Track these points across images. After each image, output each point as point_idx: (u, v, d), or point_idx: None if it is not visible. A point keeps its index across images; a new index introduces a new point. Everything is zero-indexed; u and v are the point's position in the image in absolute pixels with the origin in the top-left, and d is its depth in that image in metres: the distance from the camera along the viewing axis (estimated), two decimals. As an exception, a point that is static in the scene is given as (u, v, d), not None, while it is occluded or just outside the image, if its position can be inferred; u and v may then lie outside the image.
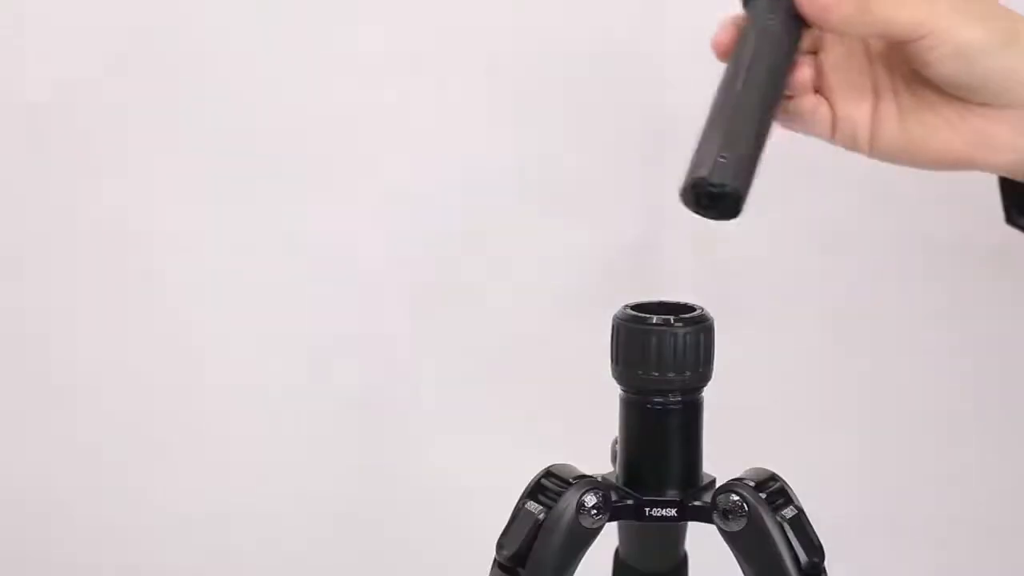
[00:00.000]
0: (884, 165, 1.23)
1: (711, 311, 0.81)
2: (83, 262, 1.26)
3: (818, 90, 0.85)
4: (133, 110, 1.24)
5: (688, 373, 0.79)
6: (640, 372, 0.79)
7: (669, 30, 1.23)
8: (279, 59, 1.24)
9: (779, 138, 0.83)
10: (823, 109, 0.85)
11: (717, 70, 1.22)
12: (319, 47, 1.24)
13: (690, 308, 0.80)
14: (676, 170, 1.25)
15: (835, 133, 0.85)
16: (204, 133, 1.25)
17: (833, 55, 0.85)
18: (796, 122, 0.85)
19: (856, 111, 0.84)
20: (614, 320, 0.80)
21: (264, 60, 1.24)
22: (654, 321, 0.79)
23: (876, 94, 0.85)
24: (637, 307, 0.80)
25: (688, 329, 0.78)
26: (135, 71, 1.23)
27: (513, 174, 1.26)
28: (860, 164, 1.25)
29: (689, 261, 1.23)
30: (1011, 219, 0.91)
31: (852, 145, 0.86)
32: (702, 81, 1.23)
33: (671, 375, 0.79)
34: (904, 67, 0.84)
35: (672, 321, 0.79)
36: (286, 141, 1.25)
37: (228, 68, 1.24)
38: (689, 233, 1.23)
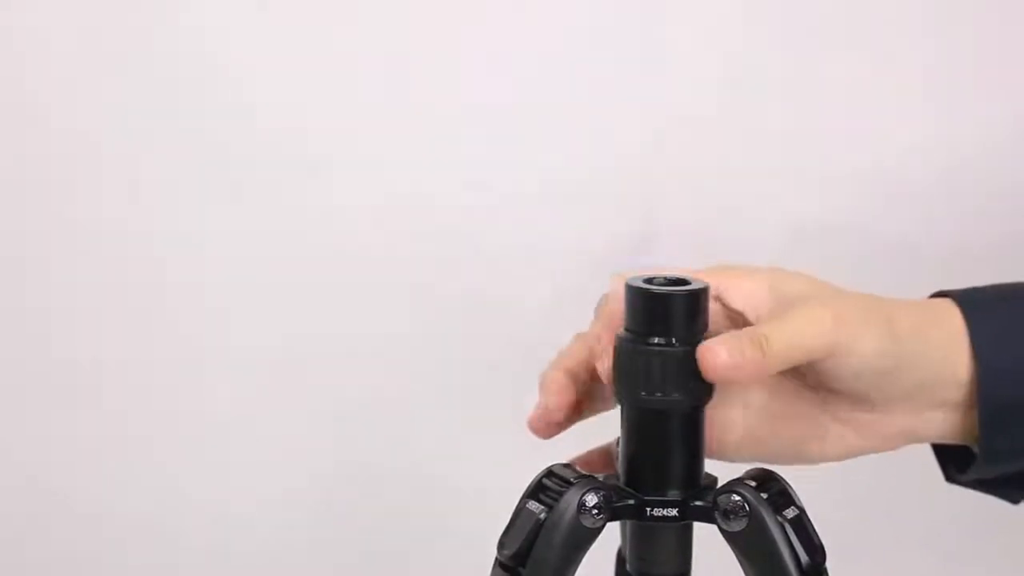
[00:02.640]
0: (886, 167, 1.24)
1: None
2: (83, 262, 1.26)
3: None
4: (133, 110, 1.24)
5: (689, 394, 0.79)
6: (642, 393, 0.79)
7: (670, 30, 1.23)
8: (279, 59, 1.24)
9: (779, 138, 0.83)
10: None
11: (717, 70, 1.23)
12: (319, 47, 1.24)
13: (685, 281, 0.80)
14: (676, 170, 1.26)
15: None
16: (204, 133, 1.25)
17: None
18: None
19: (725, 426, 0.84)
20: (615, 340, 0.80)
21: (264, 60, 1.24)
22: (655, 341, 0.79)
23: (744, 407, 0.84)
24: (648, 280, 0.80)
25: (689, 350, 0.79)
26: (135, 71, 1.24)
27: (513, 174, 1.26)
28: (860, 165, 1.26)
29: (689, 261, 1.23)
30: (950, 477, 0.92)
31: (720, 455, 0.85)
32: (702, 81, 1.24)
33: (674, 396, 0.79)
34: (788, 381, 0.83)
35: (673, 341, 0.79)
36: (286, 141, 1.25)
37: (228, 68, 1.24)
38: (689, 233, 1.23)
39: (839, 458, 0.86)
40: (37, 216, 1.26)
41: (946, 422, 0.85)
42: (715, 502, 0.79)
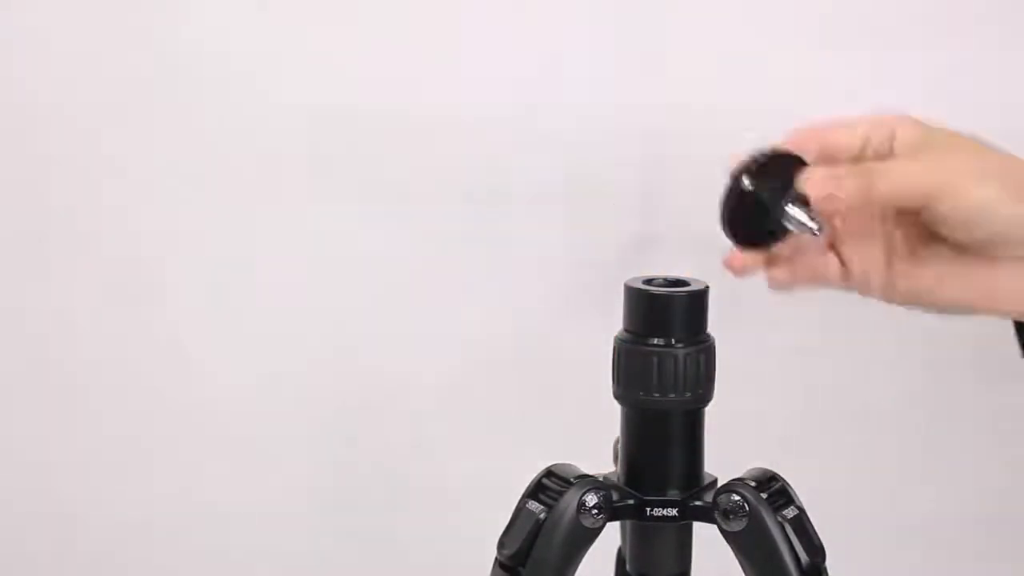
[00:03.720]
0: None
1: (712, 309, 0.81)
2: (82, 262, 1.26)
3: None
4: (133, 110, 1.24)
5: (689, 394, 0.79)
6: (641, 394, 0.79)
7: (670, 30, 1.23)
8: (280, 59, 1.24)
9: (780, 138, 0.83)
10: (833, 264, 0.84)
11: (717, 70, 1.23)
12: (319, 47, 1.24)
13: (685, 283, 0.80)
14: (676, 170, 1.26)
15: (847, 282, 0.84)
16: (203, 133, 1.25)
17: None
18: (803, 278, 0.84)
19: (868, 263, 0.84)
20: (615, 341, 0.80)
21: (264, 60, 1.24)
22: (655, 341, 0.79)
23: (887, 247, 0.84)
24: (647, 282, 0.80)
25: (689, 351, 0.79)
26: (135, 71, 1.23)
27: (513, 174, 1.26)
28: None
29: (689, 261, 1.23)
30: None
31: (866, 293, 0.85)
32: (703, 81, 1.24)
33: (672, 396, 0.79)
34: (914, 221, 0.83)
35: (673, 342, 0.79)
36: (286, 140, 1.25)
37: (228, 68, 1.24)
38: (689, 233, 1.23)
39: (960, 311, 0.86)
40: (37, 216, 1.26)
41: None
42: (715, 502, 0.79)
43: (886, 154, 0.83)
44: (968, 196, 0.80)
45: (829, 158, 0.83)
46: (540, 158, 1.25)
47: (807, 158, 0.82)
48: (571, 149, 1.25)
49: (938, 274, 0.84)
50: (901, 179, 0.80)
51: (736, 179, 0.80)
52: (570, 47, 1.24)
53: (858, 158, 0.83)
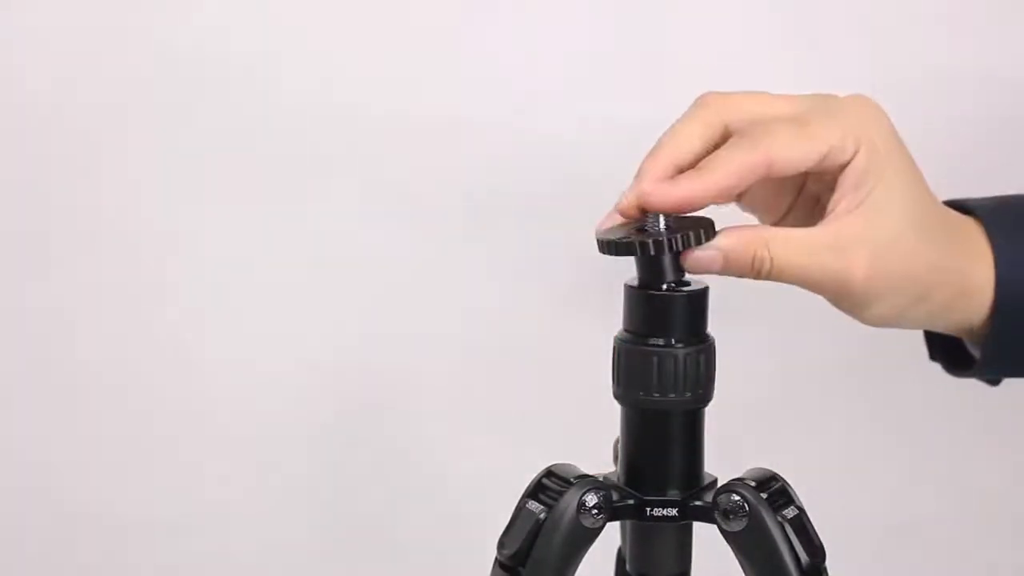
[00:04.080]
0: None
1: (712, 309, 0.81)
2: (83, 262, 1.26)
3: None
4: (133, 110, 1.24)
5: (689, 394, 0.79)
6: (641, 394, 0.79)
7: (670, 28, 1.23)
8: (279, 59, 1.24)
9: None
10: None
11: (717, 70, 1.23)
12: (319, 47, 1.24)
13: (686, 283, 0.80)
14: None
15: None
16: (203, 133, 1.25)
17: None
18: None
19: None
20: (615, 341, 0.80)
21: (264, 60, 1.24)
22: (655, 341, 0.79)
23: None
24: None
25: (689, 351, 0.79)
26: (135, 71, 1.23)
27: (514, 173, 1.26)
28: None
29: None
30: (933, 358, 0.93)
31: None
32: (702, 80, 1.24)
33: (672, 396, 0.79)
34: None
35: (673, 342, 0.79)
36: (286, 141, 1.25)
37: (228, 68, 1.24)
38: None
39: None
40: (37, 216, 1.26)
41: (955, 329, 0.86)
42: (715, 502, 0.79)
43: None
44: (875, 306, 0.81)
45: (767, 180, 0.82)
46: (540, 158, 1.25)
47: (746, 186, 0.80)
48: (571, 149, 1.25)
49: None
50: (794, 273, 0.80)
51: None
52: (570, 47, 1.24)
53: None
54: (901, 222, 0.81)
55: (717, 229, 0.80)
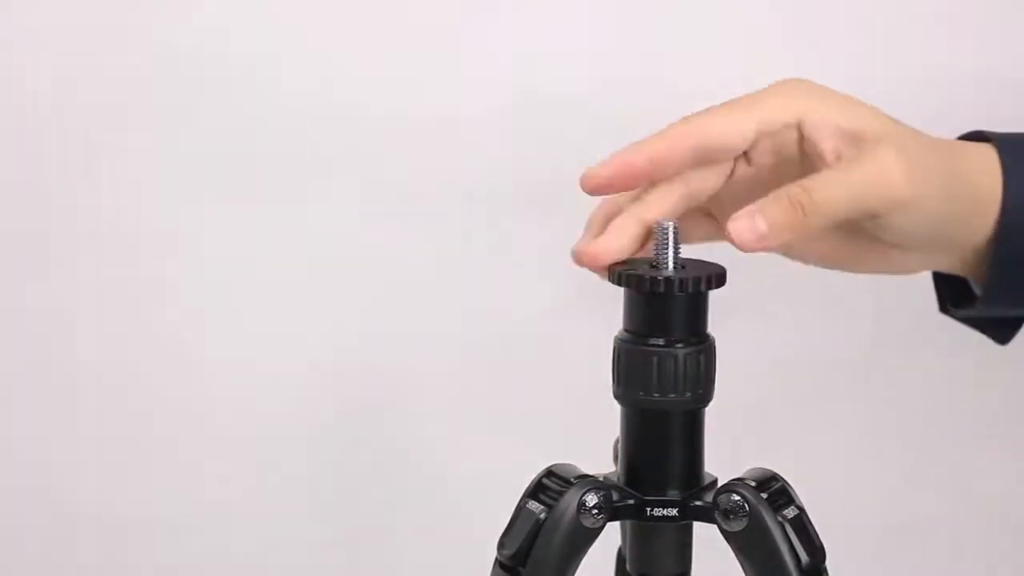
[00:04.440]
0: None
1: (712, 309, 0.81)
2: (83, 262, 1.26)
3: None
4: (133, 110, 1.24)
5: (689, 394, 0.79)
6: (641, 394, 0.79)
7: (671, 28, 1.23)
8: (279, 59, 1.24)
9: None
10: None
11: (716, 69, 1.23)
12: (319, 47, 1.24)
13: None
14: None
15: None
16: (203, 132, 1.25)
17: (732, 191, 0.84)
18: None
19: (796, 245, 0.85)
20: (615, 341, 0.80)
21: (264, 60, 1.24)
22: (655, 341, 0.79)
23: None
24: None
25: (689, 351, 0.79)
26: (135, 71, 1.23)
27: (514, 173, 1.26)
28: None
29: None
30: (944, 309, 0.93)
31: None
32: (702, 80, 1.24)
33: (672, 396, 0.79)
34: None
35: (673, 343, 0.79)
36: (286, 141, 1.24)
37: (228, 68, 1.24)
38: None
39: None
40: (37, 216, 1.26)
41: (964, 262, 0.86)
42: (715, 502, 0.79)
43: (795, 159, 0.82)
44: (916, 209, 0.80)
45: (707, 159, 0.82)
46: (540, 158, 1.25)
47: (680, 156, 0.80)
48: (571, 149, 1.25)
49: (855, 252, 0.85)
50: (839, 203, 0.78)
51: None
52: (571, 47, 1.24)
53: (747, 159, 0.83)
54: (905, 131, 0.81)
55: None
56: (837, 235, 0.84)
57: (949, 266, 0.87)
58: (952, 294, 0.91)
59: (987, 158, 0.85)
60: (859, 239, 0.84)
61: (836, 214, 0.79)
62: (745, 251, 0.78)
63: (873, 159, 0.80)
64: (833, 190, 0.78)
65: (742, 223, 0.77)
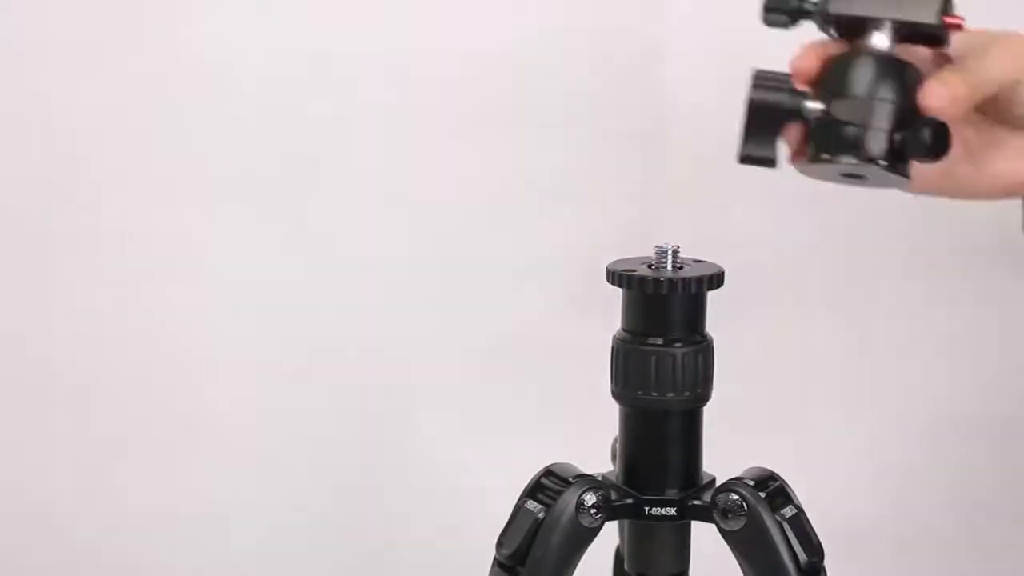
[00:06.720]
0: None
1: (711, 309, 0.82)
2: (83, 262, 1.26)
3: None
4: (133, 110, 1.24)
5: (687, 394, 0.79)
6: (640, 393, 0.79)
7: (669, 26, 1.23)
8: (279, 59, 1.24)
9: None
10: None
11: (716, 68, 1.23)
12: (319, 47, 1.24)
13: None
14: (676, 168, 1.26)
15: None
16: (204, 132, 1.25)
17: None
18: None
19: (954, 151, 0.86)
20: (613, 341, 0.80)
21: (264, 60, 1.24)
22: (654, 341, 0.79)
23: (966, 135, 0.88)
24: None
25: (687, 350, 0.79)
26: (135, 71, 1.24)
27: (513, 173, 1.26)
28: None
29: (689, 259, 1.23)
30: None
31: (924, 189, 0.88)
32: (702, 79, 1.24)
33: (670, 395, 0.79)
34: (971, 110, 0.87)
35: (672, 342, 0.79)
36: (286, 141, 1.25)
37: (228, 68, 1.24)
38: (689, 232, 1.23)
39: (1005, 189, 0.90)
40: (37, 216, 1.26)
41: None
42: (713, 501, 0.79)
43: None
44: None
45: None
46: (540, 157, 1.25)
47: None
48: (571, 149, 1.25)
49: (994, 155, 0.88)
50: (998, 71, 0.85)
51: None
52: (571, 47, 1.24)
53: None
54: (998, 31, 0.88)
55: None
56: (976, 140, 0.88)
57: None
58: None
59: None
60: (997, 137, 0.88)
61: (1001, 76, 0.85)
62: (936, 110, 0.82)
63: (1004, 43, 0.87)
64: (993, 59, 0.85)
65: (939, 93, 0.82)
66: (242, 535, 1.31)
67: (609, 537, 0.84)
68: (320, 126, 1.24)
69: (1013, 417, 1.27)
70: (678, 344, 0.79)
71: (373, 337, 1.28)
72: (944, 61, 0.85)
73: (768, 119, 0.82)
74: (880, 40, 0.82)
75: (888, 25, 0.82)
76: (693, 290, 0.79)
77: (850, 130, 0.80)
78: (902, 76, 0.81)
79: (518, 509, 0.81)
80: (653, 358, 0.79)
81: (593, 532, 0.80)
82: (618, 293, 0.83)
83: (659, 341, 0.79)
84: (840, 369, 1.27)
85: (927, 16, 0.81)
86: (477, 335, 1.27)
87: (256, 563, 1.31)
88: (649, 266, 0.81)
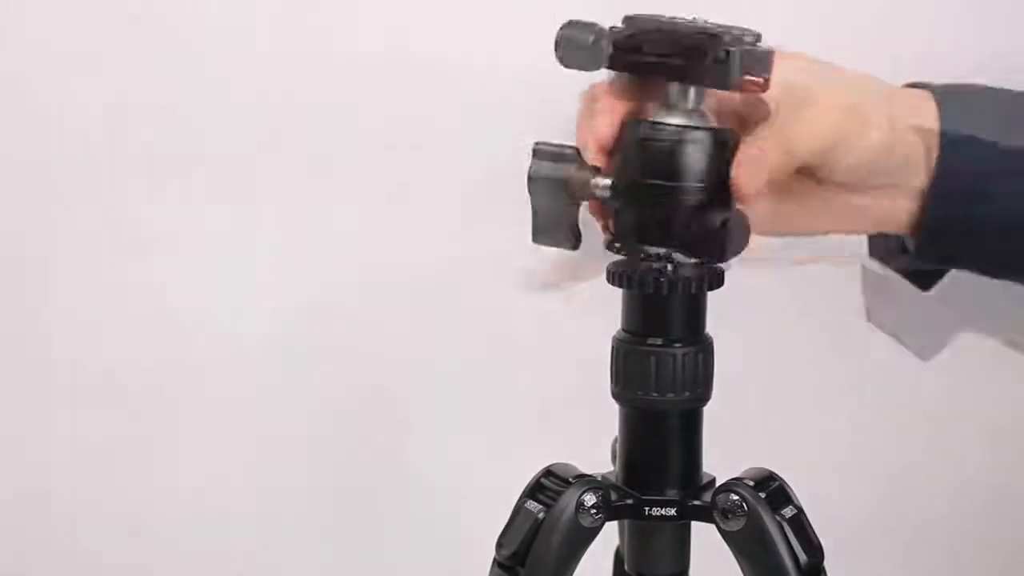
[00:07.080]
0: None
1: (710, 309, 0.81)
2: (83, 262, 1.26)
3: None
4: (133, 110, 1.24)
5: (687, 394, 0.79)
6: (640, 393, 0.79)
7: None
8: (279, 59, 1.24)
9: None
10: None
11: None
12: (319, 47, 1.24)
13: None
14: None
15: None
16: (204, 132, 1.25)
17: None
18: None
19: (759, 211, 0.84)
20: (613, 341, 0.80)
21: (264, 59, 1.24)
22: (653, 341, 0.79)
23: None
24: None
25: (687, 350, 0.79)
26: (135, 71, 1.24)
27: (513, 173, 1.26)
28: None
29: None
30: (873, 253, 0.94)
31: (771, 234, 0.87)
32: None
33: (670, 395, 0.79)
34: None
35: (672, 342, 0.79)
36: (286, 141, 1.25)
37: (228, 67, 1.24)
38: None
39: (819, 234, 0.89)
40: (37, 216, 1.26)
41: (903, 209, 0.87)
42: (713, 501, 0.79)
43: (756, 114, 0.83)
44: (869, 141, 0.83)
45: None
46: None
47: None
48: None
49: (807, 207, 0.86)
50: (812, 140, 0.81)
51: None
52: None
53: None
54: (825, 67, 0.85)
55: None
56: (798, 189, 0.86)
57: (892, 217, 0.88)
58: (886, 248, 0.93)
59: (924, 100, 0.88)
60: (816, 189, 0.85)
61: (814, 146, 0.81)
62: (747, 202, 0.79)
63: (826, 99, 0.83)
64: (808, 125, 0.82)
65: (750, 170, 0.80)
66: (242, 535, 1.31)
67: (609, 537, 0.84)
68: (320, 126, 1.24)
69: (1013, 417, 1.27)
70: (678, 344, 0.79)
71: (373, 337, 1.28)
72: (758, 109, 0.82)
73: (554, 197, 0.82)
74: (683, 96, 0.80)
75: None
76: (693, 290, 0.79)
77: (647, 217, 0.79)
78: (709, 149, 0.78)
79: (518, 509, 0.81)
80: (653, 358, 0.79)
81: (593, 532, 0.80)
82: (618, 293, 0.82)
83: (659, 341, 0.79)
84: (841, 369, 1.27)
85: (722, 83, 0.77)
86: (477, 335, 1.27)
87: (256, 563, 1.31)
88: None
